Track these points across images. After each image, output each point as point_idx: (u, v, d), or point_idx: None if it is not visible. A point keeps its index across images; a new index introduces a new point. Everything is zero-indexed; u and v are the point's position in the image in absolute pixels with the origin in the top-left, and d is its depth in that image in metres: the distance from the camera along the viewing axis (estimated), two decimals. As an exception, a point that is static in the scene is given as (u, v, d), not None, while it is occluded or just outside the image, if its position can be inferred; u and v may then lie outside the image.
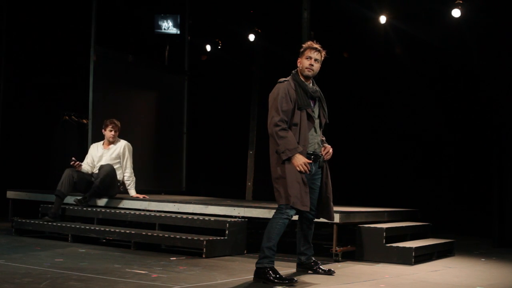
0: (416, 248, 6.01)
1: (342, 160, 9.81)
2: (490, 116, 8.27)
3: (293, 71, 4.99)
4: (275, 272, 4.61)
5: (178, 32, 9.90)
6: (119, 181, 7.50)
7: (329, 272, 5.09)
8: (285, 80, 4.90)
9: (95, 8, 8.34)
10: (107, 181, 7.28)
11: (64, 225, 6.97)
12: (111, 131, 7.50)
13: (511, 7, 7.83)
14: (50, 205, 7.67)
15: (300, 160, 4.65)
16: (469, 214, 9.01)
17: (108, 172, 7.29)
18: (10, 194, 8.28)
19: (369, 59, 9.74)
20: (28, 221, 7.32)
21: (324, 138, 5.11)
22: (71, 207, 7.35)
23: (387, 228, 6.18)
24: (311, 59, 4.91)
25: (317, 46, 4.94)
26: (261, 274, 4.63)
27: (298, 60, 4.98)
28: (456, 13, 8.52)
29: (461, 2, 8.48)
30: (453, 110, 9.37)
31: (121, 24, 9.90)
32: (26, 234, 7.23)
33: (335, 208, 6.09)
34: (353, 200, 8.09)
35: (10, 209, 8.24)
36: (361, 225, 6.22)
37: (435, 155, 9.57)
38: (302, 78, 4.92)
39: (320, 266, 5.13)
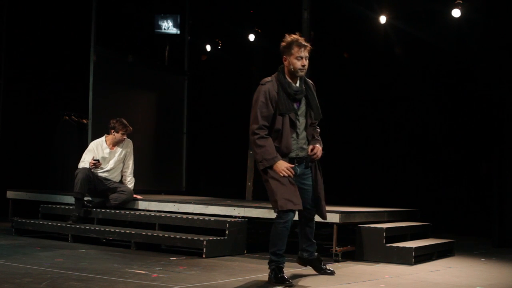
0: (416, 248, 6.01)
1: (342, 160, 9.84)
2: (490, 116, 8.28)
3: (279, 68, 4.75)
4: (278, 272, 4.62)
5: (178, 32, 9.90)
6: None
7: (332, 273, 5.05)
8: (268, 82, 4.67)
9: (95, 8, 8.33)
10: (122, 204, 7.30)
11: (64, 225, 6.98)
12: (123, 135, 7.38)
13: (511, 7, 7.83)
14: (51, 205, 7.68)
15: (281, 166, 4.52)
16: (469, 214, 9.01)
17: (129, 200, 7.30)
18: (10, 194, 8.28)
19: (369, 59, 9.74)
20: (28, 221, 7.33)
21: (318, 132, 4.88)
22: (71, 207, 7.34)
23: (387, 228, 6.18)
24: (302, 58, 4.64)
25: (304, 42, 4.67)
26: (269, 273, 4.68)
27: (284, 58, 4.68)
28: (456, 13, 8.53)
29: (461, 2, 8.48)
30: (453, 110, 9.37)
31: (121, 24, 9.90)
32: (26, 234, 7.23)
33: (335, 208, 6.12)
34: (353, 200, 8.09)
35: (10, 209, 8.24)
36: (361, 225, 6.22)
37: (435, 155, 9.57)
38: (288, 78, 4.68)
39: (323, 264, 5.08)
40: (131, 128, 7.47)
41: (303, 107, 4.76)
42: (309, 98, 4.78)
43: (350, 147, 9.78)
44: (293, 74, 4.69)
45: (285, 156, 4.65)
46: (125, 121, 7.43)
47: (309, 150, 4.75)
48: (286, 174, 4.53)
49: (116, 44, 9.32)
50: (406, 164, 9.65)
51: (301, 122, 4.75)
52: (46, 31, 9.85)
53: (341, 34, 9.56)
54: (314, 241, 5.08)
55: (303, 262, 5.14)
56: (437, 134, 9.56)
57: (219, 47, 11.16)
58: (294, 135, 4.69)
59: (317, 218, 5.23)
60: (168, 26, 9.87)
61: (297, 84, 4.72)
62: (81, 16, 9.25)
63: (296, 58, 4.65)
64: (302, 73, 4.70)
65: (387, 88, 9.80)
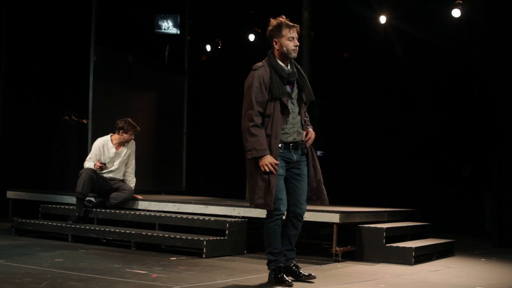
0: (416, 248, 6.01)
1: (342, 160, 9.85)
2: (490, 115, 8.28)
3: (269, 52, 4.65)
4: (278, 272, 4.61)
5: (178, 32, 9.90)
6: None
7: (310, 277, 4.75)
8: (260, 67, 4.57)
9: (95, 8, 8.33)
10: (123, 203, 7.28)
11: (64, 225, 6.98)
12: (132, 135, 7.38)
13: (511, 7, 7.84)
14: (51, 205, 7.68)
15: (266, 161, 4.42)
16: (469, 214, 9.01)
17: (129, 199, 7.29)
18: (10, 194, 8.28)
19: (369, 59, 9.74)
20: (28, 221, 7.33)
21: (308, 118, 4.80)
22: (71, 207, 7.35)
23: (387, 228, 6.18)
24: (294, 39, 4.58)
25: (291, 23, 4.64)
26: (269, 273, 4.65)
27: (275, 41, 4.59)
28: (456, 13, 8.54)
29: (461, 2, 8.49)
30: (453, 110, 9.37)
31: (121, 24, 9.90)
32: (26, 234, 7.23)
33: (335, 208, 6.11)
34: (353, 200, 8.09)
35: (10, 209, 8.25)
36: (361, 225, 6.22)
37: (435, 154, 9.58)
38: (279, 61, 4.59)
39: (300, 271, 4.77)
40: (139, 128, 7.48)
41: (295, 90, 4.69)
42: (301, 81, 4.71)
43: (350, 147, 9.78)
44: (285, 57, 4.61)
45: (278, 142, 4.51)
46: (132, 122, 7.42)
47: (304, 135, 4.68)
48: (267, 170, 4.43)
49: (116, 44, 9.32)
50: (406, 164, 9.65)
51: (295, 106, 4.66)
52: (46, 31, 9.85)
53: (341, 34, 9.56)
54: (295, 249, 4.78)
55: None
56: (437, 134, 9.56)
57: (219, 47, 11.16)
58: (289, 119, 4.59)
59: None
60: (168, 26, 9.87)
61: (289, 67, 4.64)
62: (81, 16, 9.25)
63: (288, 39, 4.58)
64: (295, 54, 4.64)
65: (386, 88, 9.80)
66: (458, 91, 9.28)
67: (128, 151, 7.47)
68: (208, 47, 11.11)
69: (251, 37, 10.45)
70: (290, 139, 4.61)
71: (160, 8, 10.00)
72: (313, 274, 4.77)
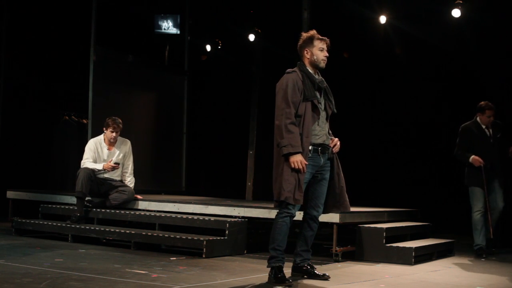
0: (416, 248, 6.02)
1: (341, 160, 9.83)
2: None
3: (298, 62, 4.91)
4: (278, 272, 4.63)
5: (178, 32, 9.91)
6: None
7: (324, 277, 4.90)
8: (293, 71, 4.81)
9: (95, 8, 8.33)
10: (123, 204, 7.29)
11: (64, 225, 6.98)
12: (112, 132, 7.27)
13: (511, 7, 7.84)
14: (51, 205, 7.68)
15: (298, 158, 4.59)
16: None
17: (129, 200, 7.29)
18: (10, 194, 8.29)
19: (369, 59, 9.74)
20: (28, 221, 7.33)
21: (330, 131, 5.02)
22: (71, 207, 7.35)
23: (387, 228, 6.19)
24: (324, 50, 4.86)
25: (322, 36, 4.90)
26: (269, 273, 4.69)
27: (306, 51, 4.87)
28: (456, 13, 8.54)
29: (461, 2, 8.49)
30: (454, 110, 9.36)
31: (121, 24, 9.90)
32: (26, 234, 7.23)
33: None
34: (353, 200, 8.07)
35: (10, 209, 8.25)
36: (361, 225, 6.22)
37: (436, 155, 9.57)
38: (310, 69, 4.86)
39: (315, 271, 4.93)
40: (120, 126, 7.34)
41: (322, 99, 4.90)
42: (327, 91, 4.93)
43: (349, 147, 9.74)
44: (315, 66, 4.87)
45: (309, 142, 4.71)
46: (116, 119, 7.32)
47: (331, 142, 4.92)
48: (296, 167, 4.58)
49: (116, 44, 9.32)
50: (406, 164, 9.64)
51: (323, 111, 4.88)
52: (46, 31, 9.85)
53: (341, 34, 9.55)
54: (311, 250, 4.98)
55: (296, 271, 4.96)
56: (437, 134, 9.55)
57: (219, 47, 11.16)
58: (320, 122, 4.82)
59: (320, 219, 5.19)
60: (168, 26, 9.87)
61: (317, 76, 4.90)
62: (81, 16, 9.25)
63: (319, 49, 4.86)
64: (323, 64, 4.89)
65: (386, 88, 9.79)
66: (459, 91, 9.27)
67: (122, 152, 7.45)
68: (208, 47, 11.11)
69: (251, 37, 10.44)
70: (319, 141, 4.83)
71: (160, 8, 10.00)
72: (327, 274, 4.94)
